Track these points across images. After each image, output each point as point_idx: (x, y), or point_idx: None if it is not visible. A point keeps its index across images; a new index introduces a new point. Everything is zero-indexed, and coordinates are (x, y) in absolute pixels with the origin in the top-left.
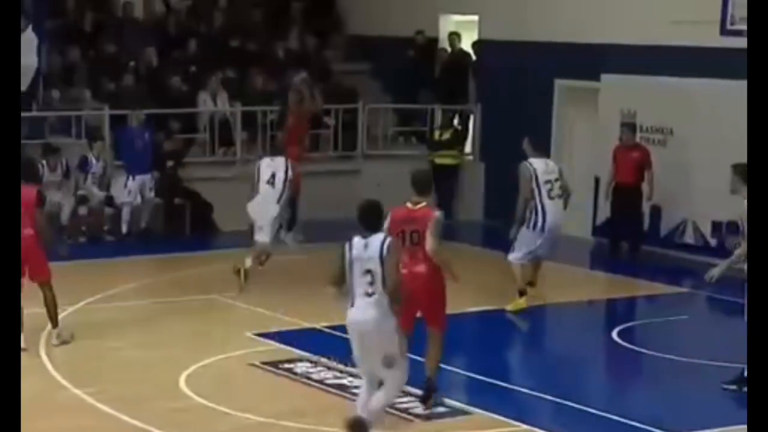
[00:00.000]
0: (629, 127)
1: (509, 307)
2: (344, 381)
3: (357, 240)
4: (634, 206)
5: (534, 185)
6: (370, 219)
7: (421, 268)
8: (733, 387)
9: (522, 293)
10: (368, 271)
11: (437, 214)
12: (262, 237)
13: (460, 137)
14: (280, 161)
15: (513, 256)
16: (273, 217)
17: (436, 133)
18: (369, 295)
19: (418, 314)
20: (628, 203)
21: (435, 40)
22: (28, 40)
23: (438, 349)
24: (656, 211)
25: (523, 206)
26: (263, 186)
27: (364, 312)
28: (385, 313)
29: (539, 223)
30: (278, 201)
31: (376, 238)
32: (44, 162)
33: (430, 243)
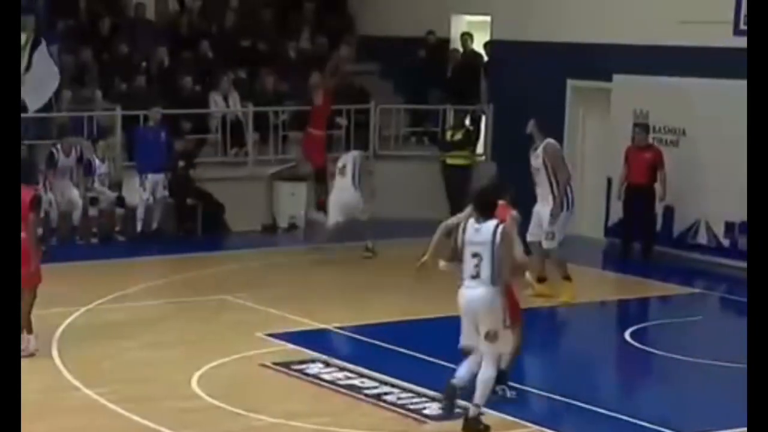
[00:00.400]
0: (642, 127)
1: (565, 298)
2: (356, 382)
3: (471, 223)
4: (647, 207)
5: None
6: (484, 206)
7: None
8: None
9: (569, 278)
10: (476, 255)
11: (514, 213)
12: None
13: (471, 138)
14: (348, 156)
15: (552, 243)
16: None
17: (448, 134)
18: (475, 277)
19: None
20: (640, 204)
21: (447, 41)
22: (44, 57)
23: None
24: (669, 212)
25: (566, 186)
26: (336, 177)
27: (472, 291)
28: (492, 293)
29: (571, 203)
30: (353, 185)
31: (489, 225)
32: (58, 146)
33: (516, 251)
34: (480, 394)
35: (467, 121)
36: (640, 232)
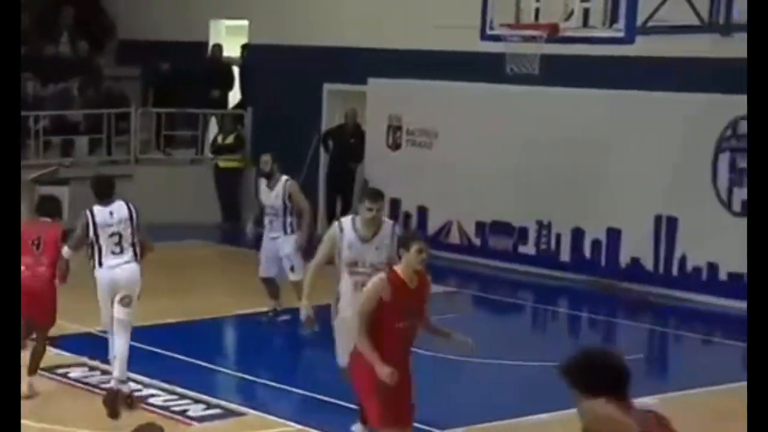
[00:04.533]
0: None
1: None
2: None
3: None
4: None
5: None
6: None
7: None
8: None
9: None
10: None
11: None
12: None
13: (242, 141)
14: None
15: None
16: None
17: (220, 138)
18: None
19: None
20: None
21: (205, 45)
22: None
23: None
24: (423, 212)
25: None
26: None
27: None
28: None
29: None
30: None
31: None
32: None
33: None
34: None
35: (238, 126)
36: None
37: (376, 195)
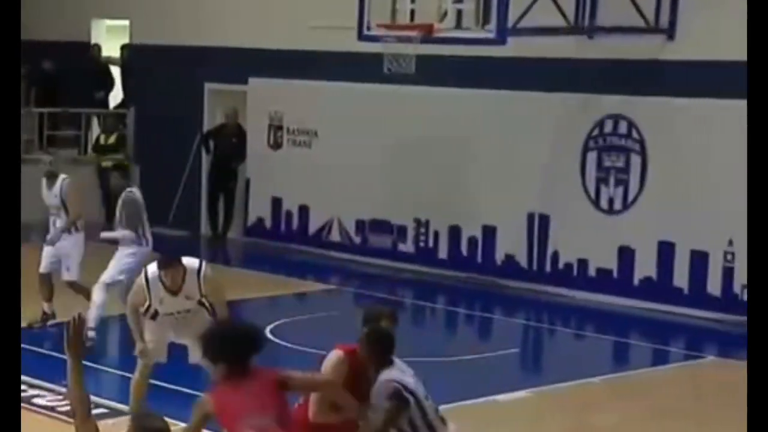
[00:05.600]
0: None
1: None
2: None
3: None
4: None
5: None
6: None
7: None
8: None
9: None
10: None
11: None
12: None
13: (125, 141)
14: None
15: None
16: None
17: (102, 138)
18: None
19: None
20: None
21: (87, 45)
22: None
23: None
24: (304, 211)
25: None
26: None
27: None
28: None
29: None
30: None
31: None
32: None
33: None
34: None
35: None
36: None
37: (166, 265)
